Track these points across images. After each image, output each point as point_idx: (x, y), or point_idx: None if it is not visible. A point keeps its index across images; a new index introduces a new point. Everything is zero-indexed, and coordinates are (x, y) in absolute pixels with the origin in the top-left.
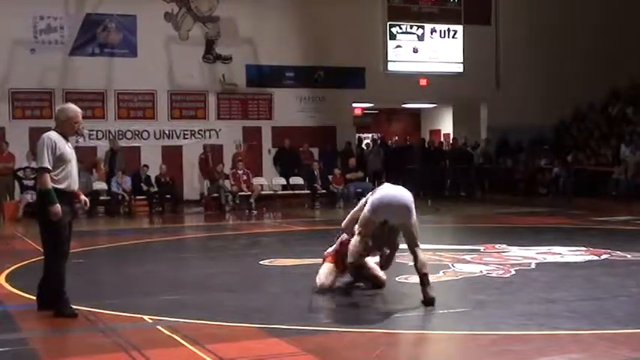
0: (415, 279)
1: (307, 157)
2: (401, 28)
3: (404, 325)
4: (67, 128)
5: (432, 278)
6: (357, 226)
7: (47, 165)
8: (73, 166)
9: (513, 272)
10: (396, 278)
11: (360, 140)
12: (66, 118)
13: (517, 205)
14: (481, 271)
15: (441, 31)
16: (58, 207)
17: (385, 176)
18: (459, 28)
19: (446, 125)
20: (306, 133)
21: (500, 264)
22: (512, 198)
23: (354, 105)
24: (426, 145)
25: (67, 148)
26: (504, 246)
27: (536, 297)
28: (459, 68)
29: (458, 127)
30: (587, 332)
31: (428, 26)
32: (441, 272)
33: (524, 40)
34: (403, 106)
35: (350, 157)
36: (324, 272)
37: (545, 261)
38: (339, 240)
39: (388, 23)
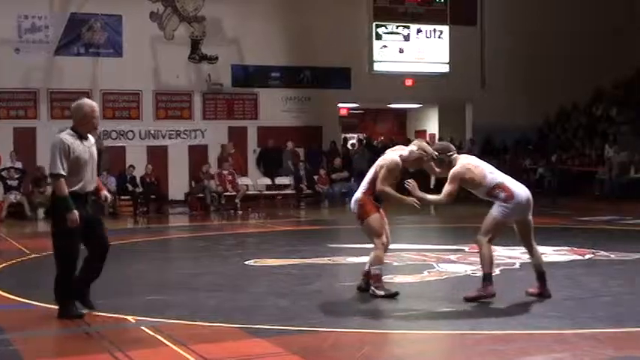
0: (401, 279)
1: (293, 157)
2: (387, 29)
3: (389, 325)
4: (84, 126)
5: (415, 278)
6: (486, 231)
7: (61, 171)
8: (89, 167)
9: (498, 272)
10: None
11: (346, 140)
12: (83, 115)
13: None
14: (466, 271)
15: (426, 31)
16: (75, 214)
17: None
18: (445, 28)
19: (431, 125)
20: (292, 132)
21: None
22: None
23: (340, 105)
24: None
25: (82, 149)
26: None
27: (521, 297)
28: (445, 68)
29: (443, 127)
30: (571, 332)
31: (414, 26)
32: (425, 272)
33: (510, 40)
34: (389, 106)
35: (335, 157)
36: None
37: (530, 261)
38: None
39: (374, 23)
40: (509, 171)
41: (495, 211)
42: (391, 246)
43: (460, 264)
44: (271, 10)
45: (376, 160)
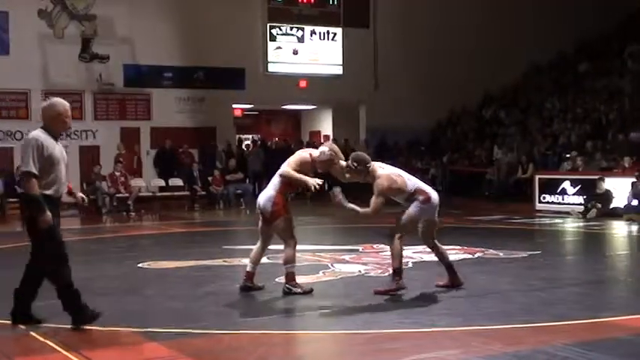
0: (296, 280)
1: (187, 158)
2: (281, 30)
3: (283, 325)
4: (57, 126)
5: (311, 279)
6: (400, 228)
7: (33, 169)
8: (63, 168)
9: (391, 272)
10: (276, 279)
11: (241, 141)
12: (56, 114)
13: (395, 206)
14: (360, 271)
15: (320, 33)
16: (48, 215)
17: (266, 178)
18: (339, 30)
19: (325, 126)
20: (185, 134)
21: (378, 264)
22: (391, 199)
23: (234, 106)
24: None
25: (57, 149)
26: (382, 246)
27: (413, 295)
28: (339, 70)
29: (337, 128)
30: (462, 329)
31: (308, 28)
32: (320, 272)
33: (402, 42)
34: (283, 107)
35: (230, 159)
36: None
37: (422, 260)
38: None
39: (268, 24)
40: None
41: (412, 209)
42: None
43: (354, 264)
44: (164, 9)
45: (271, 161)
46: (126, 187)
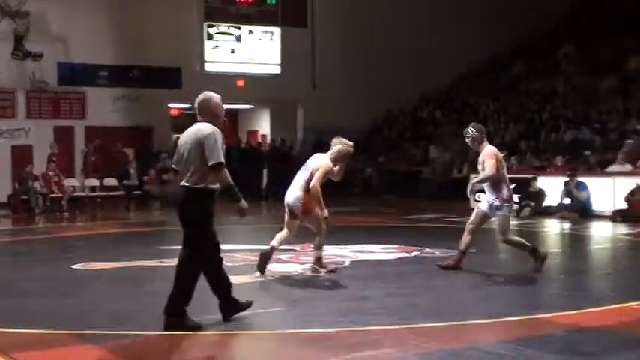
0: (234, 279)
1: (122, 158)
2: (218, 29)
3: (220, 326)
4: (218, 119)
5: (248, 278)
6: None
7: (223, 160)
8: None
9: (326, 270)
10: None
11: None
12: (215, 105)
13: (332, 205)
14: (297, 271)
15: (258, 32)
16: (244, 203)
17: None
18: (276, 30)
19: (263, 126)
20: (120, 133)
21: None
22: (328, 197)
23: (171, 105)
24: (243, 146)
25: None
26: None
27: (350, 294)
28: (276, 70)
29: (275, 128)
30: (398, 327)
31: (245, 27)
32: (257, 272)
33: (340, 42)
34: None
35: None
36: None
37: (359, 259)
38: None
39: (205, 23)
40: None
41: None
42: (224, 246)
43: (291, 263)
44: (99, 7)
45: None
46: (59, 188)
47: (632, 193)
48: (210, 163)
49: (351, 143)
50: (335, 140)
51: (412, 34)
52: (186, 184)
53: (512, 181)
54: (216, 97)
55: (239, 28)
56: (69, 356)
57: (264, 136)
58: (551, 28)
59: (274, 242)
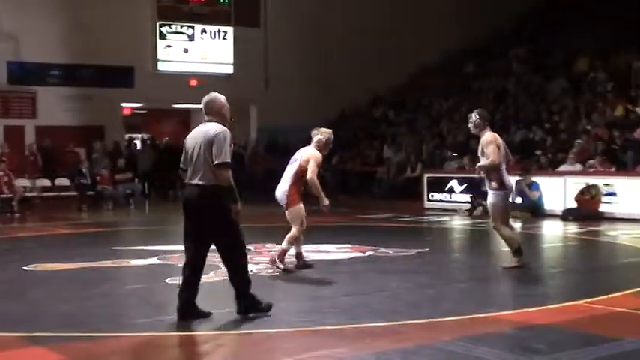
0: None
1: (73, 158)
2: (171, 28)
3: (174, 327)
4: (225, 119)
5: (202, 279)
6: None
7: (230, 160)
8: None
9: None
10: (166, 280)
11: (131, 140)
12: (221, 105)
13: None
14: (252, 271)
15: (211, 32)
16: (239, 205)
17: (156, 176)
18: (229, 29)
19: None
20: (72, 133)
21: (269, 263)
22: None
23: (123, 104)
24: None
25: None
26: (274, 245)
27: (304, 294)
28: (229, 69)
29: (228, 127)
30: (351, 326)
31: (198, 27)
32: (211, 273)
33: (293, 42)
34: (173, 106)
35: (119, 158)
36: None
37: (313, 259)
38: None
39: (158, 22)
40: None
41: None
42: (177, 247)
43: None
44: (51, 5)
45: (161, 160)
46: (10, 188)
47: (582, 193)
48: (216, 162)
49: (329, 130)
50: (314, 132)
51: (366, 34)
52: (200, 183)
53: (464, 180)
54: (221, 97)
55: (192, 28)
56: (19, 359)
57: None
58: (502, 29)
59: (284, 244)
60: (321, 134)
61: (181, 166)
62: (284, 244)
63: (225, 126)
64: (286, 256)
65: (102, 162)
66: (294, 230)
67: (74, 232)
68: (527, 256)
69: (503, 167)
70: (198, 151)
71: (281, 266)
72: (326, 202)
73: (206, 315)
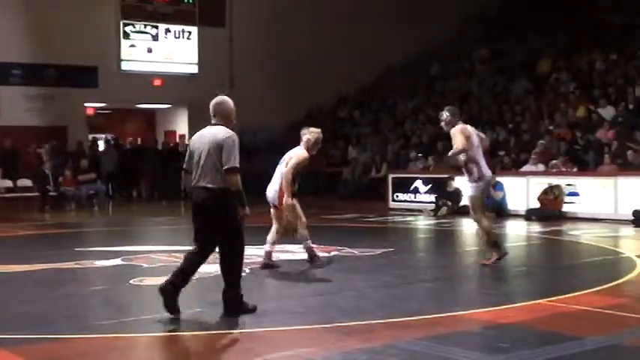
0: (151, 281)
1: (35, 158)
2: (135, 28)
3: (138, 328)
4: (232, 123)
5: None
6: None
7: (239, 165)
8: None
9: (247, 271)
10: (131, 281)
11: (95, 141)
12: (230, 109)
13: (252, 205)
14: (216, 271)
15: (175, 31)
16: (248, 209)
17: (120, 177)
18: (194, 29)
19: (181, 126)
20: (34, 133)
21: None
22: (250, 198)
23: (87, 105)
24: (160, 146)
25: None
26: None
27: (271, 294)
28: (194, 69)
29: (193, 128)
30: (318, 326)
31: (162, 26)
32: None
33: (259, 41)
34: (138, 106)
35: (82, 158)
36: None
37: (279, 259)
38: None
39: (121, 22)
40: (263, 171)
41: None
42: (141, 248)
43: (211, 264)
44: (12, 3)
45: (125, 160)
46: None
47: (545, 193)
48: (225, 167)
49: (318, 130)
50: (303, 131)
51: (332, 34)
52: (209, 186)
53: (429, 181)
54: (229, 101)
55: (156, 27)
56: None
57: (182, 137)
58: (466, 30)
59: (267, 247)
60: (309, 133)
61: (185, 167)
62: (303, 244)
63: (230, 129)
64: (312, 248)
65: (49, 163)
66: (299, 228)
67: (36, 234)
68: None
69: (480, 157)
70: (206, 155)
71: (318, 263)
72: (289, 201)
73: (177, 311)
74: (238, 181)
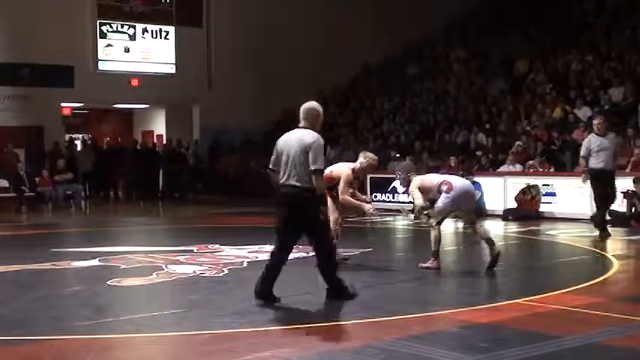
0: (128, 282)
1: (11, 159)
2: (112, 27)
3: (116, 329)
4: (315, 127)
5: (144, 280)
6: (436, 213)
7: (323, 167)
8: None
9: (226, 271)
10: (108, 282)
11: (72, 141)
12: (318, 114)
13: (230, 206)
14: (195, 272)
15: (152, 31)
16: (325, 209)
17: (97, 177)
18: (171, 29)
19: (159, 126)
20: (10, 133)
21: (213, 264)
22: (226, 198)
23: (63, 105)
24: (138, 147)
25: None
26: (217, 246)
27: (249, 295)
28: (171, 69)
29: (171, 128)
30: (297, 327)
31: (139, 26)
32: (154, 274)
33: (236, 42)
34: (115, 106)
35: (59, 158)
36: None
37: (257, 259)
38: None
39: (98, 21)
40: (240, 171)
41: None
42: (118, 248)
43: (189, 265)
44: None
45: (102, 160)
46: None
47: (522, 193)
48: (312, 167)
49: (375, 158)
50: (361, 154)
51: (309, 34)
52: (297, 184)
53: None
54: (318, 106)
55: (133, 27)
56: None
57: (159, 137)
58: (444, 30)
59: None
60: (365, 158)
61: (271, 166)
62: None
63: (316, 132)
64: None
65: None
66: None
67: (12, 234)
68: (469, 255)
69: (444, 187)
70: (293, 155)
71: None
72: (368, 206)
73: (277, 299)
74: (323, 182)
